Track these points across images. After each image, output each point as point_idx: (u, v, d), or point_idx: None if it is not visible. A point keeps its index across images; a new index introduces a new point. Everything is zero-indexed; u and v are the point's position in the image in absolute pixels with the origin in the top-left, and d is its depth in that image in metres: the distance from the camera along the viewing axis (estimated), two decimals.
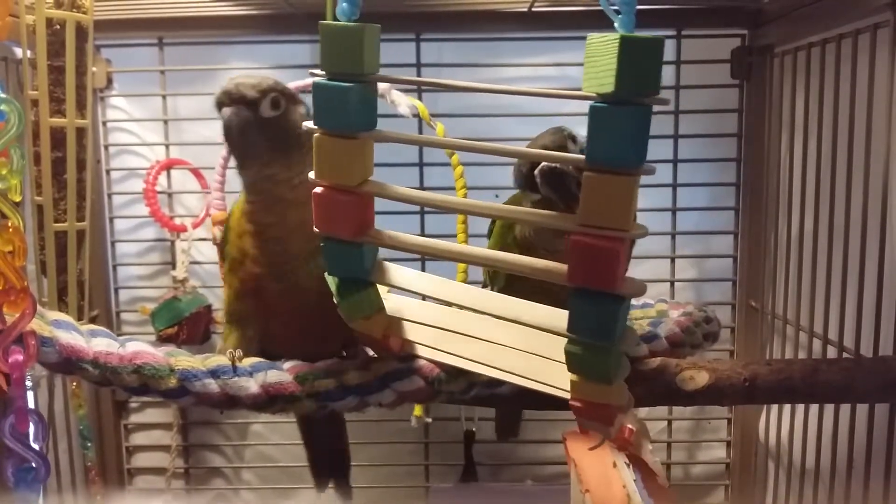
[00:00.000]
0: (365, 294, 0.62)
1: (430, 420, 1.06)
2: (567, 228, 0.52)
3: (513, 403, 0.78)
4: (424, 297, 0.67)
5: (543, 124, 1.08)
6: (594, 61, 0.48)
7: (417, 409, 1.03)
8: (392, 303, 0.66)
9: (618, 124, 0.48)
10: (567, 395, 0.61)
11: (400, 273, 0.63)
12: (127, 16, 1.04)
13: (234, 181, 1.00)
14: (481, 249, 0.60)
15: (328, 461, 0.92)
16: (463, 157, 0.97)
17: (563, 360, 0.59)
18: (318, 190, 0.57)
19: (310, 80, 0.63)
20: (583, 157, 0.50)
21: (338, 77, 0.54)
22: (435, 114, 0.96)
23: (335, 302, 0.64)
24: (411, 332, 0.67)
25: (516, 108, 1.08)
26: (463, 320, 0.66)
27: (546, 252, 0.64)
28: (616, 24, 0.47)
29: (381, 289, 0.65)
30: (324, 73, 0.54)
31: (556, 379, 0.62)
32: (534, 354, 0.63)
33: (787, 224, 1.00)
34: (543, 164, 0.58)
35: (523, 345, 0.63)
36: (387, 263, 0.63)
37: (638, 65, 0.47)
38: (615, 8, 0.48)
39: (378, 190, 0.57)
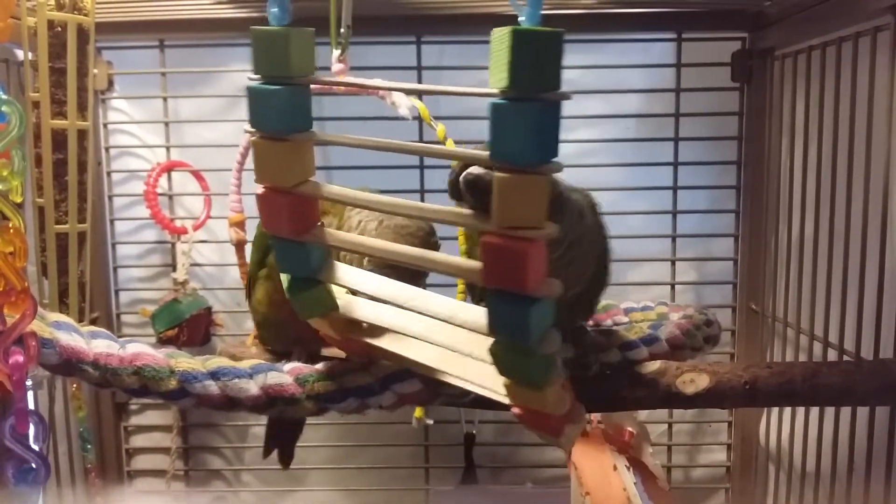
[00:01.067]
0: (315, 292, 0.62)
1: (431, 422, 1.06)
2: (482, 229, 0.51)
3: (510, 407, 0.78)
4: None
5: None
6: (495, 55, 0.47)
7: (419, 411, 1.03)
8: (347, 302, 0.66)
9: (517, 121, 0.46)
10: (506, 401, 0.61)
11: (347, 272, 0.63)
12: (128, 18, 1.04)
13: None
14: (407, 248, 0.59)
15: (280, 433, 0.94)
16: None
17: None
18: (260, 191, 0.58)
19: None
20: (486, 154, 0.49)
21: (269, 80, 0.55)
22: (436, 116, 0.96)
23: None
24: (369, 334, 0.67)
25: None
26: (413, 321, 0.65)
27: None
28: (522, 18, 0.46)
29: (339, 289, 0.65)
30: (257, 77, 0.56)
31: (500, 385, 0.62)
32: (482, 360, 0.63)
33: (787, 227, 1.00)
34: (467, 171, 0.58)
35: (472, 348, 0.63)
36: (337, 263, 0.63)
37: (533, 59, 0.45)
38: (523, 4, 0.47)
39: (314, 191, 0.58)
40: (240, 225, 0.99)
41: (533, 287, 0.50)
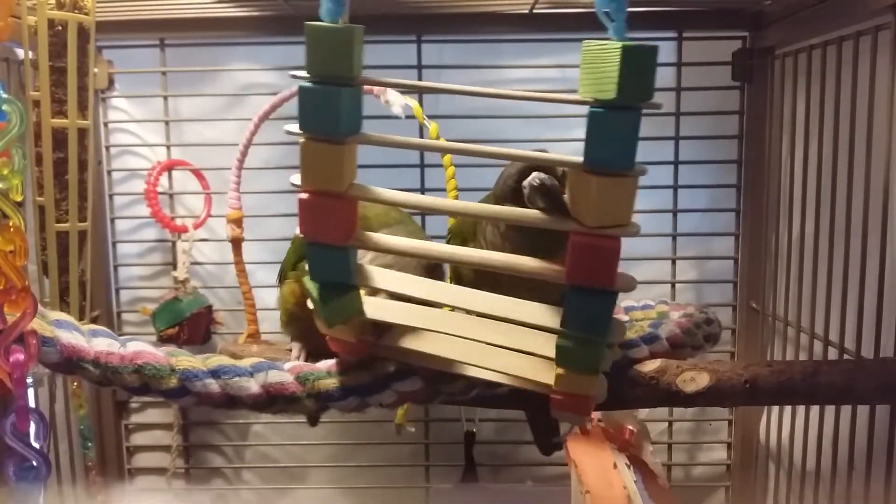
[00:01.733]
0: (347, 298, 0.62)
1: (412, 429, 1.05)
2: (568, 229, 0.53)
3: (512, 405, 0.78)
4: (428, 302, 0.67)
5: (545, 126, 1.09)
6: (592, 67, 0.50)
7: (399, 417, 1.03)
8: (370, 305, 0.66)
9: (616, 128, 0.50)
10: (543, 389, 0.62)
11: (381, 275, 0.63)
12: (129, 17, 1.04)
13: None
14: (474, 251, 0.60)
15: None
16: (461, 158, 0.97)
17: (544, 355, 0.60)
18: (304, 196, 0.56)
19: None
20: (578, 160, 0.51)
21: (325, 80, 0.53)
22: (436, 115, 0.97)
23: (313, 308, 0.64)
24: (386, 334, 0.67)
25: (518, 109, 1.08)
26: (440, 319, 0.66)
27: (515, 251, 0.64)
28: (610, 31, 0.49)
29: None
30: (308, 75, 0.53)
31: (537, 373, 0.63)
32: (515, 350, 0.64)
33: (787, 225, 1.00)
34: (533, 176, 0.60)
35: (503, 341, 0.64)
36: (366, 266, 0.63)
37: (637, 73, 0.48)
38: (607, 11, 0.49)
39: (363, 193, 0.57)
40: (237, 222, 0.99)
41: (616, 282, 0.53)
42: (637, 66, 0.48)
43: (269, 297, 1.06)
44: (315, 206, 0.56)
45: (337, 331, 0.66)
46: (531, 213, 0.57)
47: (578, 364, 0.58)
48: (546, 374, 0.62)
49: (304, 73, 0.53)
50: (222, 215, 1.11)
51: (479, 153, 0.55)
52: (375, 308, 0.65)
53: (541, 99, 0.54)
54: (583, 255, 0.53)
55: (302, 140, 0.55)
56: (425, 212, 0.67)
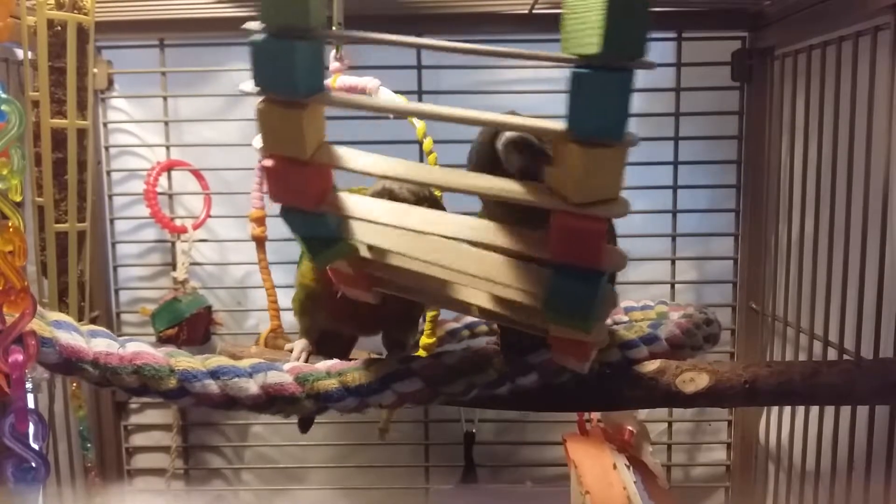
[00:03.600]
0: (336, 247, 0.58)
1: (395, 434, 1.04)
2: (552, 207, 0.48)
3: (512, 405, 0.78)
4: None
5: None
6: (575, 17, 0.44)
7: (383, 420, 1.01)
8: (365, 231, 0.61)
9: (603, 92, 0.43)
10: (540, 332, 0.60)
11: (368, 230, 0.58)
12: (128, 17, 1.04)
13: None
14: (456, 217, 0.55)
15: None
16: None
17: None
18: (269, 163, 0.51)
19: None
20: (561, 126, 0.46)
21: (281, 33, 0.47)
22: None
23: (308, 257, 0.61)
24: (378, 261, 0.64)
25: (516, 108, 1.07)
26: (435, 247, 0.59)
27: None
28: None
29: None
30: (262, 27, 0.47)
31: (534, 317, 0.59)
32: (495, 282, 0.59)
33: (787, 226, 1.00)
34: (507, 133, 0.54)
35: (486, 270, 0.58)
36: (352, 222, 0.58)
37: (626, 22, 0.41)
38: None
39: (330, 159, 0.52)
40: (259, 221, 0.99)
41: (604, 261, 0.49)
42: (626, 14, 0.41)
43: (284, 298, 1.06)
44: (282, 175, 0.52)
45: (331, 266, 0.63)
46: (513, 187, 0.51)
47: (569, 324, 0.55)
48: (542, 318, 0.57)
49: (257, 25, 0.47)
50: (222, 216, 1.11)
51: (454, 118, 0.50)
52: (371, 234, 0.60)
53: (517, 55, 0.48)
54: (565, 237, 0.48)
55: (259, 104, 0.50)
56: (400, 181, 0.62)
